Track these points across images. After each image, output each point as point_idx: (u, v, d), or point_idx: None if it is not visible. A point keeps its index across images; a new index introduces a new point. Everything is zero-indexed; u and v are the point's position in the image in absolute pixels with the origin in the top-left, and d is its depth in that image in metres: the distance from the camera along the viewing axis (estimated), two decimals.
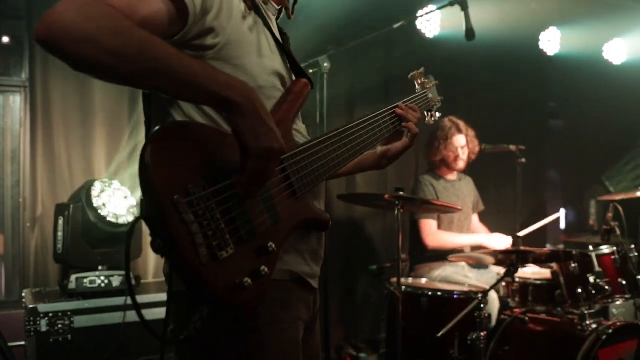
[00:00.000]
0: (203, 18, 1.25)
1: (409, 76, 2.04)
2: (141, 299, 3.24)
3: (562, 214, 4.22)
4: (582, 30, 5.24)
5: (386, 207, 3.26)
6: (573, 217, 5.65)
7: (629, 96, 5.62)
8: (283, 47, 1.49)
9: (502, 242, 3.85)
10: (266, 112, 1.20)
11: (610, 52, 5.54)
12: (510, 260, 3.08)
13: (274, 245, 1.25)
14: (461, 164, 4.03)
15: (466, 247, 3.93)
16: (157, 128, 1.16)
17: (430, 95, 2.00)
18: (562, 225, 3.98)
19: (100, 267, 3.26)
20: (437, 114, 2.07)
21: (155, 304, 3.24)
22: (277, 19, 1.60)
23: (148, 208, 1.12)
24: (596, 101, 5.45)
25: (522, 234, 3.76)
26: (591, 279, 3.07)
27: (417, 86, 2.01)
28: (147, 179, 1.10)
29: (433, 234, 3.83)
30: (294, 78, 1.51)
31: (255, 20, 1.41)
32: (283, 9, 1.60)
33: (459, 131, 3.99)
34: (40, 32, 1.03)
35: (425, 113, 2.01)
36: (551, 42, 5.15)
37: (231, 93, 1.15)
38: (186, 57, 1.15)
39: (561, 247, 4.92)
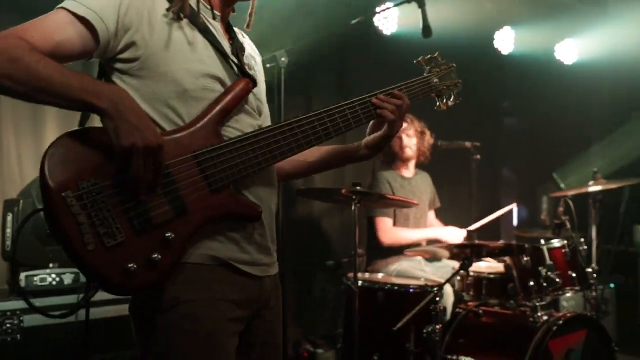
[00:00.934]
0: (124, 35, 1.43)
1: (415, 62, 1.98)
2: (96, 296, 3.16)
3: (514, 208, 4.29)
4: (535, 30, 5.36)
5: (343, 202, 3.26)
6: (525, 212, 5.78)
7: (580, 96, 5.79)
8: (221, 51, 1.55)
9: (456, 235, 3.90)
10: (133, 113, 1.33)
11: (562, 52, 5.67)
12: (465, 254, 3.13)
13: (173, 236, 1.37)
14: (409, 152, 4.04)
15: (422, 242, 3.98)
16: (59, 137, 1.35)
17: (435, 80, 1.93)
18: (515, 220, 4.07)
19: (51, 265, 3.17)
20: (454, 99, 2.00)
21: (107, 302, 3.18)
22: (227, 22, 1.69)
23: (44, 204, 1.31)
24: (548, 100, 5.58)
25: (475, 227, 3.83)
26: (543, 272, 3.15)
27: (425, 72, 1.94)
28: (42, 178, 1.30)
29: (388, 231, 3.86)
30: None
31: (186, 26, 1.51)
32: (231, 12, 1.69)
33: (408, 123, 4.04)
34: None
35: (436, 99, 1.97)
36: (505, 41, 5.25)
37: (96, 100, 1.31)
38: (67, 72, 1.33)
39: (514, 242, 5.03)
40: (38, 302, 3.02)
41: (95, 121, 1.44)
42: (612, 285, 4.93)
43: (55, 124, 3.71)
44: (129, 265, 1.32)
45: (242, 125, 1.56)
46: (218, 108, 1.49)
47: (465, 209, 4.69)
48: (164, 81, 1.46)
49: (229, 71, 1.56)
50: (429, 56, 1.97)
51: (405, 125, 4.00)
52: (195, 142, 1.44)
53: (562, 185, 4.94)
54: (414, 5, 3.47)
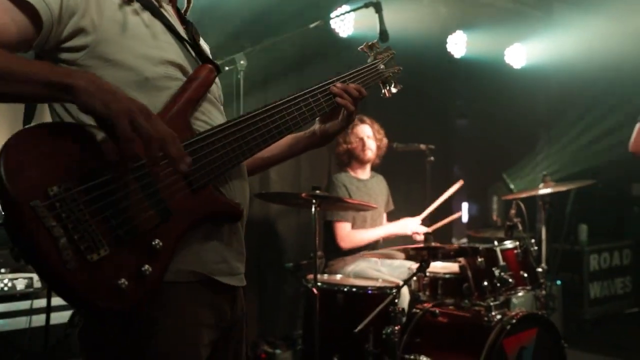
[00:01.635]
0: (69, 20, 1.26)
1: (359, 48, 1.96)
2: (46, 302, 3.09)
3: (464, 209, 4.40)
4: (486, 34, 5.49)
5: (303, 205, 3.28)
6: (476, 212, 5.93)
7: (528, 99, 5.98)
8: (179, 36, 1.44)
9: (411, 224, 3.96)
10: (110, 86, 1.16)
11: (511, 56, 5.83)
12: (421, 255, 3.20)
13: (160, 243, 1.21)
14: (369, 154, 4.08)
15: (379, 240, 4.03)
16: (13, 134, 1.12)
17: (382, 66, 1.90)
18: (465, 219, 4.16)
19: (2, 270, 3.08)
20: (398, 85, 1.96)
21: (62, 307, 3.11)
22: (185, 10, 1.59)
23: (5, 216, 1.07)
24: (498, 102, 5.73)
25: (425, 213, 3.93)
26: (496, 272, 3.24)
27: (368, 58, 1.92)
28: (1, 187, 1.06)
29: (346, 236, 3.89)
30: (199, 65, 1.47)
31: (138, 11, 1.38)
32: None
33: (363, 121, 4.09)
34: None
35: (381, 86, 1.93)
36: (458, 45, 5.36)
37: (69, 78, 1.13)
38: (24, 59, 1.17)
39: (465, 240, 5.15)
40: None
41: (45, 118, 1.35)
42: (558, 282, 5.12)
43: (2, 119, 3.59)
44: (119, 282, 1.13)
45: (209, 116, 1.44)
46: (184, 98, 1.36)
47: (420, 209, 4.78)
48: (119, 70, 1.31)
49: (188, 58, 1.45)
50: (371, 43, 1.95)
51: (366, 127, 4.06)
52: None
53: (512, 186, 5.11)
54: (370, 9, 3.53)
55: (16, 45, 1.23)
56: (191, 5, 1.61)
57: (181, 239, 1.28)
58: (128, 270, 1.15)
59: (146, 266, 1.18)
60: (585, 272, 5.55)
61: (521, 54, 5.84)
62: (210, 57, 1.54)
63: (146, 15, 1.39)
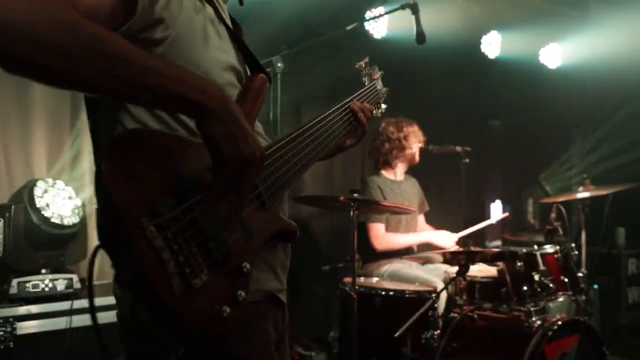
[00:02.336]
0: (150, 8, 1.11)
1: (356, 66, 1.99)
2: (87, 303, 3.12)
3: (495, 209, 4.32)
4: (521, 34, 5.43)
5: (339, 208, 3.27)
6: (510, 214, 5.84)
7: (563, 99, 5.88)
8: (236, 39, 1.36)
9: (447, 239, 3.94)
10: (242, 115, 1.06)
11: (546, 56, 5.75)
12: (458, 260, 3.16)
13: (248, 266, 1.13)
14: (417, 158, 4.10)
15: (413, 246, 4.01)
16: (111, 140, 1.00)
17: (378, 87, 1.95)
18: (495, 219, 4.09)
19: (43, 271, 3.13)
20: (384, 106, 2.01)
21: (101, 307, 3.15)
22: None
23: (110, 234, 0.95)
24: (533, 103, 5.66)
25: (465, 232, 3.87)
26: (536, 277, 3.18)
27: (363, 77, 1.96)
28: (106, 200, 0.93)
29: (381, 237, 3.87)
30: (248, 72, 1.39)
31: (207, 10, 1.29)
32: None
33: (414, 125, 4.08)
34: None
35: (374, 106, 1.94)
36: (492, 45, 5.30)
37: (203, 97, 1.00)
38: (147, 54, 1.01)
39: (499, 243, 5.09)
40: (31, 309, 2.99)
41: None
42: (595, 287, 5.02)
43: (44, 127, 3.65)
44: (222, 309, 1.03)
45: (258, 128, 1.39)
46: (246, 109, 1.23)
47: (454, 212, 4.74)
48: (194, 71, 1.12)
49: (241, 62, 1.35)
50: (365, 62, 1.99)
51: (419, 132, 4.04)
52: None
53: (548, 188, 5.02)
54: (405, 10, 3.50)
55: (105, 23, 1.04)
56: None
57: (256, 259, 1.21)
58: (226, 296, 1.07)
59: (240, 291, 1.10)
60: (623, 276, 5.44)
61: (557, 54, 5.76)
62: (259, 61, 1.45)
63: (212, 16, 1.30)
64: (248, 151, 1.04)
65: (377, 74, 1.98)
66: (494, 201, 5.23)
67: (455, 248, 3.73)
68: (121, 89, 0.96)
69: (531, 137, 5.79)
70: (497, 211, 4.75)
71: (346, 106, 1.68)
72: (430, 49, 3.65)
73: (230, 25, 1.38)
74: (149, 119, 1.18)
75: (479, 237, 5.08)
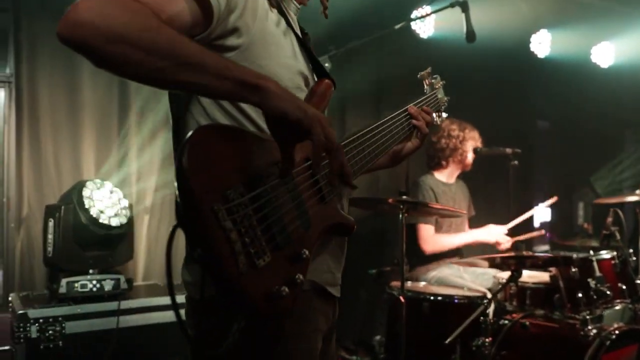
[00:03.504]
0: (227, 17, 1.24)
1: (418, 76, 2.04)
2: (134, 303, 3.15)
3: (540, 209, 4.20)
4: (572, 33, 5.28)
5: (387, 210, 3.21)
6: (558, 218, 5.68)
7: (615, 99, 5.69)
8: (305, 46, 1.47)
9: (496, 233, 3.85)
10: (295, 95, 1.18)
11: (598, 55, 5.58)
12: (509, 264, 3.07)
13: (307, 252, 1.23)
14: (469, 165, 4.06)
15: (461, 246, 3.93)
16: (192, 131, 1.12)
17: (438, 96, 2.01)
18: (544, 205, 3.97)
19: (91, 271, 3.15)
20: (444, 114, 2.07)
21: (148, 308, 3.17)
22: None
23: (186, 215, 1.08)
24: (584, 103, 5.49)
25: (513, 223, 3.81)
26: (592, 284, 3.07)
27: (425, 86, 2.02)
28: (185, 185, 1.07)
29: (430, 239, 3.80)
30: (315, 78, 1.49)
31: (279, 19, 1.41)
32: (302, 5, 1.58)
33: (473, 129, 3.99)
34: (65, 31, 1.02)
35: (434, 114, 2.00)
36: (542, 44, 5.18)
37: (259, 79, 1.13)
38: (214, 53, 1.14)
39: (547, 247, 4.95)
40: (79, 309, 3.02)
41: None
42: None
43: (93, 127, 3.70)
44: (281, 289, 1.14)
45: None
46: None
47: (501, 213, 4.61)
48: None
49: (309, 69, 1.47)
50: (426, 71, 2.04)
51: (476, 137, 3.96)
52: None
53: (599, 191, 4.86)
54: (454, 9, 3.42)
55: (186, 34, 1.19)
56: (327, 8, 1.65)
57: (315, 247, 1.30)
58: (286, 278, 1.18)
59: (298, 274, 1.20)
60: None
61: (609, 52, 5.58)
62: (326, 69, 1.54)
63: (283, 25, 1.41)
64: (312, 113, 1.15)
65: (439, 84, 2.04)
66: (538, 200, 5.08)
67: (508, 240, 3.64)
68: (192, 80, 1.10)
69: (581, 139, 5.62)
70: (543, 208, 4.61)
71: (405, 112, 1.76)
72: (477, 48, 3.59)
73: (300, 35, 1.48)
74: (220, 116, 1.31)
75: (526, 245, 4.95)
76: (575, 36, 5.32)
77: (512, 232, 3.89)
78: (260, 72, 1.22)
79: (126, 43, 1.03)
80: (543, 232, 4.21)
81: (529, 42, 5.16)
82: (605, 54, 5.59)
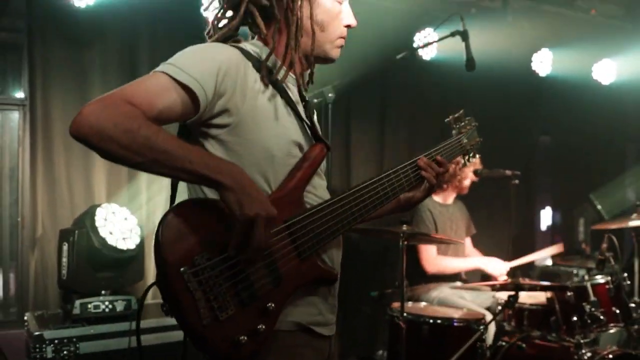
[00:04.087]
0: (216, 102, 1.44)
1: (445, 121, 2.08)
2: (145, 323, 3.26)
3: (544, 217, 4.27)
4: (573, 51, 5.35)
5: (390, 237, 3.30)
6: (562, 235, 5.76)
7: (617, 116, 5.76)
8: (299, 116, 1.60)
9: (498, 267, 3.94)
10: (252, 186, 1.38)
11: (599, 72, 5.64)
12: (506, 289, 3.17)
13: (273, 306, 1.43)
14: (466, 191, 4.16)
15: (462, 270, 4.03)
16: (169, 209, 1.39)
17: (465, 140, 2.04)
18: (548, 253, 4.08)
19: (103, 292, 3.28)
20: (477, 155, 2.12)
21: (157, 328, 3.28)
22: (306, 83, 1.72)
23: (159, 277, 1.34)
24: (585, 121, 5.56)
25: (516, 262, 3.86)
26: (587, 308, 3.17)
27: (453, 131, 2.05)
28: (159, 254, 1.33)
29: (432, 259, 3.90)
30: (313, 141, 1.63)
31: (273, 93, 1.55)
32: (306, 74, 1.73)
33: (477, 160, 4.08)
34: (72, 129, 1.28)
35: (462, 157, 2.08)
36: (543, 63, 5.25)
37: (219, 175, 1.35)
38: (185, 145, 1.36)
39: (549, 263, 5.03)
40: (92, 329, 3.14)
41: None
42: None
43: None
44: (240, 338, 1.35)
45: (317, 190, 1.61)
46: (299, 176, 1.54)
47: (503, 232, 4.70)
48: (252, 147, 1.49)
49: (305, 135, 1.61)
50: (457, 115, 2.08)
51: (477, 163, 4.05)
52: (283, 210, 1.45)
53: (600, 208, 4.93)
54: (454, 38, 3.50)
55: (177, 121, 1.45)
56: (312, 80, 1.76)
57: (288, 299, 1.48)
58: (247, 328, 1.38)
59: (261, 325, 1.40)
60: None
61: (610, 69, 5.64)
62: (321, 134, 1.66)
63: (278, 99, 1.55)
64: (253, 213, 1.34)
65: (469, 126, 2.08)
66: (544, 220, 5.17)
67: (504, 278, 3.73)
68: (166, 172, 1.36)
69: (583, 155, 5.70)
70: (547, 217, 4.67)
71: (414, 164, 1.81)
72: (479, 69, 3.68)
73: (299, 105, 1.64)
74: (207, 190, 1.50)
75: (529, 249, 5.02)
76: (577, 54, 5.38)
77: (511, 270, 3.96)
78: (251, 144, 1.48)
79: (113, 142, 1.27)
80: (562, 247, 4.26)
81: (531, 62, 5.23)
82: (607, 71, 5.65)
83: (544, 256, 4.06)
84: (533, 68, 5.24)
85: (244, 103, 1.47)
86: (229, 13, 1.62)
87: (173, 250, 1.33)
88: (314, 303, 1.57)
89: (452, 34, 3.46)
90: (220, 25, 1.62)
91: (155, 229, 1.34)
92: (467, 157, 2.09)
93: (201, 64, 1.42)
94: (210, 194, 1.48)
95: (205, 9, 1.64)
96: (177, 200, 1.55)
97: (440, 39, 3.56)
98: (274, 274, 1.44)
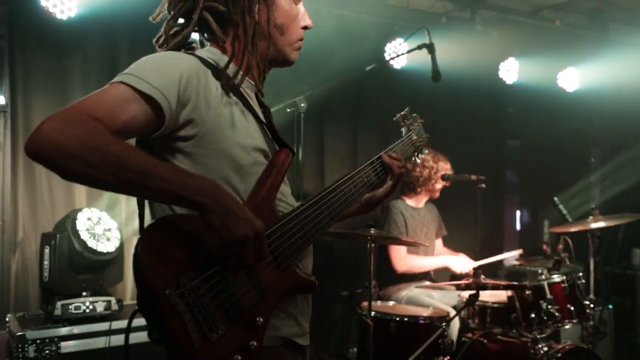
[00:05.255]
0: (180, 112, 1.36)
1: (394, 119, 2.14)
2: (124, 323, 3.38)
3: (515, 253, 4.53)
4: (539, 59, 5.55)
5: (359, 240, 3.47)
6: (528, 235, 5.98)
7: (581, 122, 5.99)
8: (262, 122, 1.58)
9: (465, 264, 4.14)
10: (234, 204, 1.31)
11: (564, 80, 5.85)
12: (470, 288, 3.36)
13: (261, 319, 1.39)
14: (437, 195, 4.34)
15: (431, 269, 4.21)
16: (146, 227, 1.33)
17: (414, 137, 2.11)
18: (510, 256, 4.33)
19: (84, 293, 3.40)
20: (425, 151, 2.19)
21: (137, 328, 3.38)
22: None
23: (143, 302, 1.27)
24: (551, 127, 5.76)
25: (482, 262, 4.06)
26: (543, 306, 3.37)
27: (402, 128, 2.12)
28: (141, 278, 1.25)
29: (402, 258, 4.08)
30: (276, 148, 1.60)
31: (234, 101, 1.50)
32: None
33: (445, 161, 4.27)
34: (30, 147, 1.17)
35: (413, 154, 2.14)
36: (510, 71, 5.43)
37: (198, 196, 1.27)
38: (159, 164, 1.28)
39: (516, 263, 5.24)
40: (74, 329, 3.26)
41: None
42: (610, 307, 5.14)
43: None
44: (235, 356, 1.30)
45: (286, 197, 1.59)
46: (269, 185, 1.49)
47: (471, 233, 4.89)
48: (219, 157, 1.43)
49: (268, 141, 1.56)
50: (404, 113, 2.15)
51: (449, 169, 4.23)
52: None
53: (563, 209, 5.15)
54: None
55: (140, 134, 1.37)
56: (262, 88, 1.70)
57: (273, 312, 1.45)
58: (239, 345, 1.33)
59: (252, 342, 1.36)
60: (638, 296, 5.52)
61: (574, 77, 5.84)
62: (283, 138, 1.64)
63: (239, 106, 1.51)
64: (240, 235, 1.29)
65: (416, 123, 2.15)
66: (510, 220, 5.37)
67: (470, 270, 3.93)
68: (140, 193, 1.32)
69: (550, 158, 5.91)
70: (515, 219, 4.87)
71: (375, 163, 1.87)
72: (449, 77, 3.86)
73: (259, 111, 1.60)
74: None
75: (497, 249, 5.23)
76: (542, 62, 5.57)
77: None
78: (217, 155, 1.42)
79: (79, 161, 1.17)
80: (521, 251, 4.51)
81: (498, 69, 5.41)
82: (571, 78, 5.86)
83: (505, 257, 4.25)
84: (500, 76, 5.42)
85: (208, 112, 1.41)
86: (181, 20, 1.56)
87: (156, 272, 1.24)
88: (292, 314, 1.54)
89: (419, 47, 3.63)
90: (172, 32, 1.55)
91: (135, 231, 1.35)
92: (417, 154, 2.15)
93: (161, 73, 1.35)
94: (178, 209, 1.41)
95: (154, 19, 1.60)
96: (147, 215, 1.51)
97: (409, 51, 3.73)
98: (259, 287, 1.40)
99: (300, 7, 1.67)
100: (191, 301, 1.27)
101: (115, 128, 1.25)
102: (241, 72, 1.52)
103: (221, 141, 1.44)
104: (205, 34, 1.62)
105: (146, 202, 1.54)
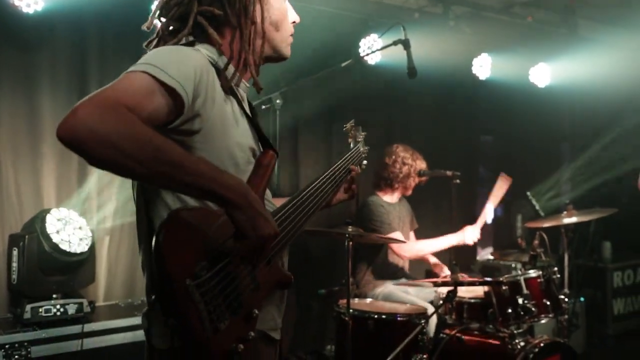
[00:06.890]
0: (192, 106, 1.38)
1: (343, 129, 2.25)
2: (97, 326, 3.31)
3: (489, 210, 4.50)
4: (511, 55, 5.59)
5: (337, 237, 3.45)
6: (501, 228, 6.03)
7: (553, 117, 6.07)
8: (252, 122, 1.61)
9: (471, 234, 4.13)
10: (259, 204, 1.38)
11: (535, 75, 5.91)
12: (447, 285, 3.37)
13: (256, 311, 1.45)
14: (410, 192, 4.34)
15: (441, 249, 4.19)
16: (164, 220, 1.33)
17: (361, 149, 2.21)
18: (489, 220, 4.34)
19: (54, 295, 3.31)
20: (364, 162, 2.25)
21: (110, 330, 3.34)
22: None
23: (163, 291, 1.31)
24: (523, 122, 5.84)
25: (480, 224, 4.15)
26: (520, 301, 3.39)
27: (350, 139, 2.22)
28: (163, 268, 1.28)
29: (405, 245, 4.06)
30: (260, 148, 1.63)
31: (232, 100, 1.55)
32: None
33: (421, 159, 4.28)
34: (64, 131, 1.17)
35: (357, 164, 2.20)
36: (483, 67, 5.47)
37: (227, 192, 1.31)
38: (193, 158, 1.31)
39: (491, 257, 5.28)
40: (44, 333, 3.17)
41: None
42: (582, 299, 5.23)
43: (54, 156, 3.79)
44: (238, 346, 1.37)
45: (268, 197, 1.64)
46: (259, 183, 1.52)
47: (446, 226, 4.91)
48: (220, 154, 1.46)
49: (255, 139, 1.60)
50: (350, 124, 2.26)
51: (424, 168, 4.24)
52: None
53: (535, 203, 5.21)
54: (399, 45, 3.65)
55: (162, 125, 1.35)
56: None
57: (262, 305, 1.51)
58: (240, 336, 1.40)
59: (250, 332, 1.43)
60: (609, 288, 5.63)
61: (545, 73, 5.91)
62: (266, 137, 1.68)
63: (236, 106, 1.55)
64: (266, 233, 1.37)
65: (361, 136, 2.24)
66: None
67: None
68: (171, 186, 1.33)
69: (521, 154, 5.98)
70: (489, 213, 4.91)
71: (337, 169, 1.97)
72: (423, 73, 3.85)
73: (249, 111, 1.64)
74: (188, 198, 1.46)
75: (472, 250, 5.28)
76: (514, 58, 5.63)
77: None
78: (217, 152, 1.45)
79: (116, 149, 1.17)
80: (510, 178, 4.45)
81: (471, 65, 5.44)
82: (542, 74, 5.92)
83: (497, 196, 4.27)
84: (473, 72, 5.45)
85: (213, 109, 1.44)
86: (175, 25, 1.58)
87: (177, 262, 1.29)
88: (270, 309, 1.60)
89: (395, 43, 3.60)
90: (167, 33, 1.58)
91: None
92: (359, 166, 2.20)
93: (179, 66, 1.37)
94: (172, 200, 1.45)
95: (149, 28, 1.61)
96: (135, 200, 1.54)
97: (383, 47, 3.71)
98: (255, 281, 1.47)
99: (287, 3, 1.73)
100: (205, 292, 1.32)
101: (143, 118, 1.25)
102: (238, 74, 1.57)
103: (223, 139, 1.48)
104: (202, 37, 1.61)
105: (145, 201, 1.52)
